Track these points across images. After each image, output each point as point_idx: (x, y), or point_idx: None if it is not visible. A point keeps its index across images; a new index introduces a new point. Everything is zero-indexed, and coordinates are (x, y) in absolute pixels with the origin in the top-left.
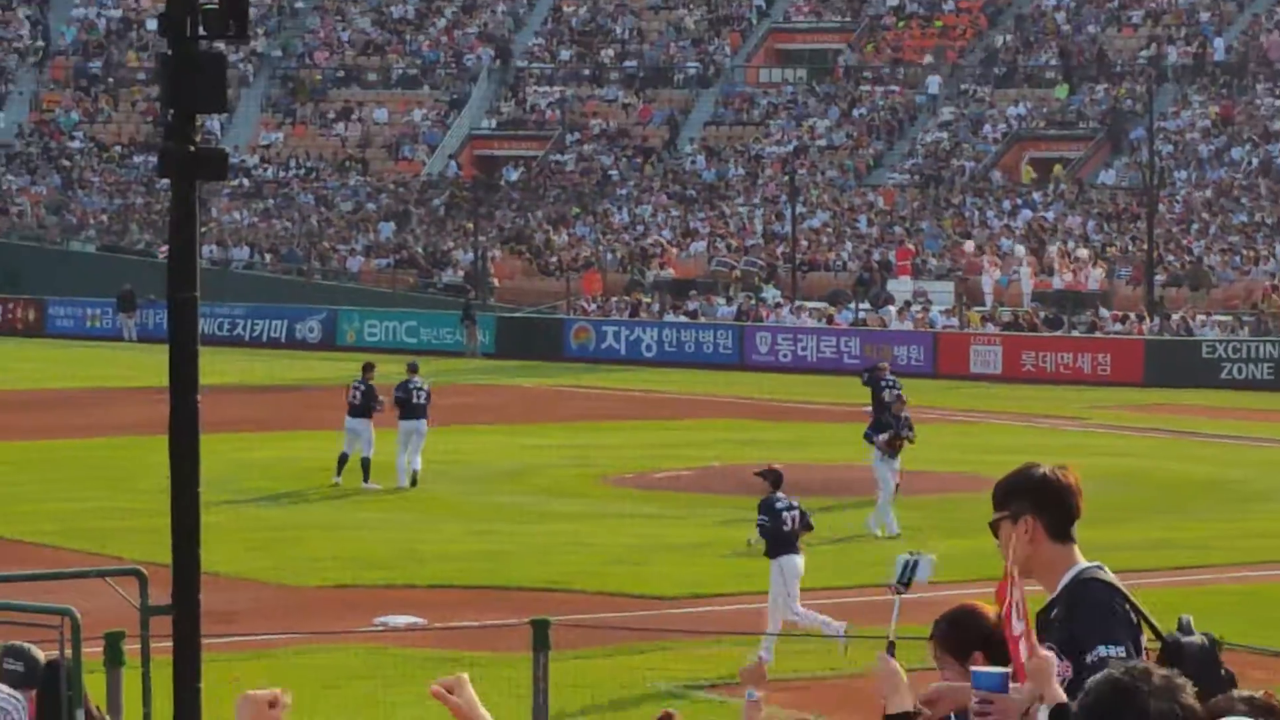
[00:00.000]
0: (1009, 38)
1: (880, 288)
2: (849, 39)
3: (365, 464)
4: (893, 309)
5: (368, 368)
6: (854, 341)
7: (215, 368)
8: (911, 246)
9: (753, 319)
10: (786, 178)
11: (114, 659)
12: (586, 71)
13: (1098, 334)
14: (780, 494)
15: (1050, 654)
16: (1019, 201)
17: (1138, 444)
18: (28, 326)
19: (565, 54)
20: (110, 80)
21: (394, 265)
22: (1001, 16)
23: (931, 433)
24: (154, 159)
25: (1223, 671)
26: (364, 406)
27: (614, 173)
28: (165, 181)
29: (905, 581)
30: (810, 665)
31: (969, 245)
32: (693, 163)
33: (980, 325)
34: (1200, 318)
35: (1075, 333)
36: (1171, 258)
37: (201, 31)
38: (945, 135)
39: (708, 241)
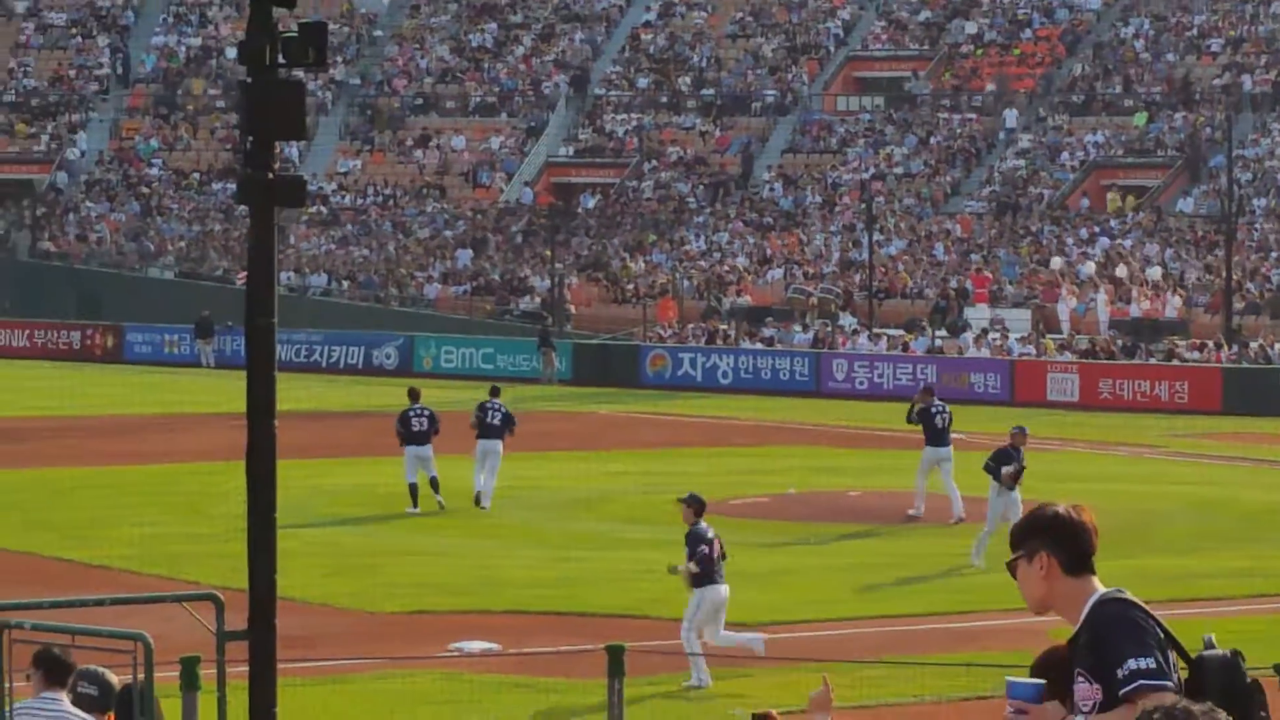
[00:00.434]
0: (1086, 66)
1: (957, 315)
2: (926, 66)
3: (434, 482)
4: (969, 336)
5: (415, 394)
6: (930, 369)
7: (292, 394)
8: (988, 274)
9: (829, 346)
10: (863, 205)
11: (190, 684)
12: (664, 99)
13: (1175, 362)
14: (703, 522)
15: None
16: (1096, 230)
17: (1216, 472)
18: (106, 353)
19: (643, 81)
20: (189, 108)
21: (471, 292)
22: (1080, 45)
23: None
24: (232, 186)
25: (1248, 680)
26: (429, 432)
27: (691, 200)
28: (243, 208)
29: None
30: (881, 693)
31: (1054, 263)
32: (770, 190)
33: (1057, 353)
34: (1279, 346)
35: (1153, 360)
36: (1250, 285)
37: (281, 60)
38: (1023, 163)
39: (784, 269)
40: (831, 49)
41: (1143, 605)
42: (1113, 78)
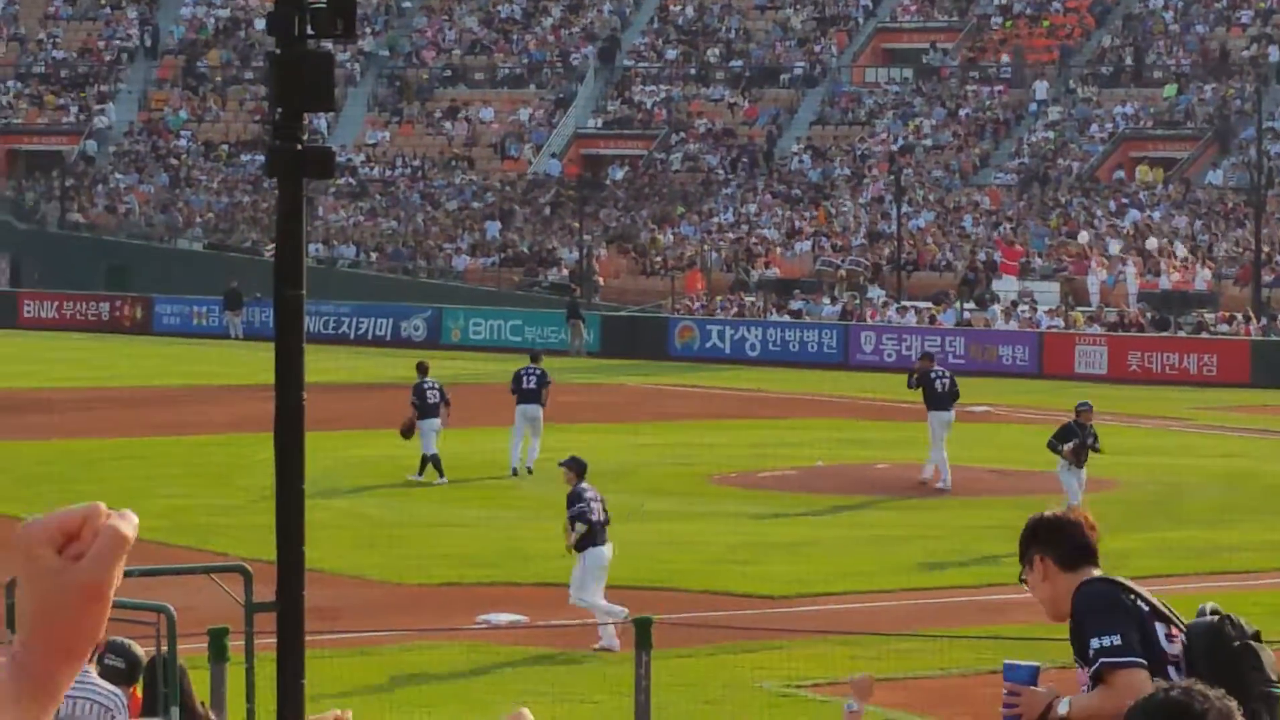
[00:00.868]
0: (1115, 37)
1: (985, 288)
2: (956, 38)
3: (425, 460)
4: (998, 309)
5: (424, 367)
6: (959, 341)
7: (320, 366)
8: (1018, 246)
9: (857, 319)
10: (892, 177)
11: (218, 655)
12: (692, 71)
13: (1204, 335)
14: (585, 484)
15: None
16: (1125, 201)
17: (1245, 445)
18: (135, 324)
19: (671, 53)
20: (218, 79)
21: (499, 264)
22: (1109, 16)
23: (1035, 435)
24: (261, 157)
25: (1235, 644)
26: (439, 405)
27: (719, 172)
28: (272, 180)
29: None
30: (910, 665)
31: (1083, 235)
32: (799, 162)
33: (1085, 325)
34: None
35: (1181, 333)
36: (1279, 258)
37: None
38: (1051, 135)
39: (813, 241)
40: (860, 20)
41: (1125, 583)
42: (1142, 49)
